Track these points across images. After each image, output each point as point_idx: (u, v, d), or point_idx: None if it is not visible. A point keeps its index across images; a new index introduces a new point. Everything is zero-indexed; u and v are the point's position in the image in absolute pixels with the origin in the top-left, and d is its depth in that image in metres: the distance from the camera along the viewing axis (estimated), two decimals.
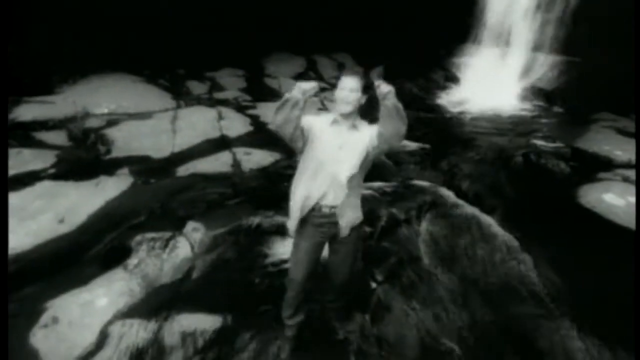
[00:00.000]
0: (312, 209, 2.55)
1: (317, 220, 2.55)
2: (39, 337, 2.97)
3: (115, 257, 3.74)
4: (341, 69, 12.24)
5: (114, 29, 9.05)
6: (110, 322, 3.09)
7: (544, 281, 3.79)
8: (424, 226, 4.43)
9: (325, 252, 2.78)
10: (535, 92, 11.29)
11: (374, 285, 3.56)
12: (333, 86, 10.29)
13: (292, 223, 2.63)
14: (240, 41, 11.19)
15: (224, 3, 10.76)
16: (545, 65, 11.71)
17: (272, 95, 9.44)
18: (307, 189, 2.52)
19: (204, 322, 3.09)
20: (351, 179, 2.50)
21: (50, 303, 3.25)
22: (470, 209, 4.81)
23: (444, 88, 12.18)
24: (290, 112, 2.32)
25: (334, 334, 3.03)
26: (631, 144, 7.17)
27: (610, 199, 5.54)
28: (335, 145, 2.49)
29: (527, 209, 5.26)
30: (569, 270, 3.96)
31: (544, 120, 9.20)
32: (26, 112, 6.70)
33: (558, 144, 7.33)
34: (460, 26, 12.15)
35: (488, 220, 4.67)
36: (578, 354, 3.09)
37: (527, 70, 11.83)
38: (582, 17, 10.28)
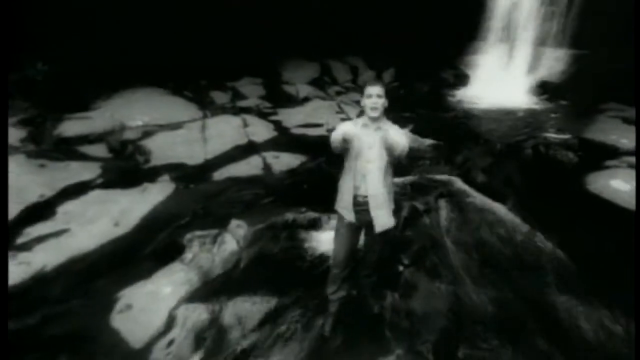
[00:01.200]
0: (348, 199, 3.04)
1: (354, 208, 3.03)
2: (117, 321, 3.47)
3: (170, 253, 4.25)
4: (354, 72, 12.70)
5: (137, 46, 9.61)
6: (175, 307, 3.57)
7: (555, 260, 4.20)
8: (443, 215, 4.86)
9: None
10: (543, 86, 11.59)
11: (401, 268, 4.02)
12: (347, 89, 10.80)
13: (344, 212, 3.10)
14: (256, 50, 11.69)
15: (237, 14, 11.27)
16: (553, 60, 11.95)
17: (290, 100, 9.95)
18: (347, 184, 3.00)
19: (255, 304, 3.57)
20: (379, 173, 2.96)
21: (122, 293, 3.75)
22: (484, 199, 5.24)
23: (454, 86, 12.56)
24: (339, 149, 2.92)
25: (370, 309, 3.48)
26: (602, 132, 7.61)
27: (617, 184, 5.92)
28: (365, 146, 2.95)
29: (537, 196, 5.66)
30: (578, 250, 4.36)
31: (552, 114, 9.56)
32: (68, 128, 7.26)
33: (566, 135, 7.71)
34: (468, 25, 12.43)
35: (501, 208, 5.09)
36: (586, 323, 3.49)
37: (535, 65, 12.11)
38: (588, 11, 10.62)
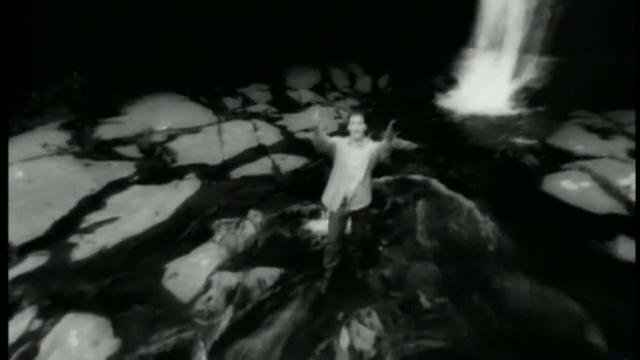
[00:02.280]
0: (336, 196, 4.26)
1: (340, 202, 4.25)
2: (168, 284, 4.71)
3: (203, 235, 5.49)
4: (352, 78, 13.88)
5: (155, 54, 10.82)
6: (211, 274, 4.80)
7: (506, 245, 5.42)
8: (418, 208, 6.08)
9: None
10: (524, 92, 12.61)
11: (380, 248, 5.25)
12: (346, 95, 12.00)
13: (328, 205, 4.34)
14: (263, 57, 12.90)
15: (245, 23, 12.45)
16: (535, 66, 12.95)
17: (294, 105, 11.17)
18: (334, 185, 4.23)
19: (271, 272, 4.80)
20: (360, 180, 4.18)
21: (168, 265, 4.99)
22: (453, 195, 6.45)
23: (444, 91, 13.63)
24: (319, 145, 4.09)
25: (355, 276, 4.71)
26: (592, 139, 8.73)
27: (566, 184, 7.14)
28: (350, 159, 4.17)
29: (499, 194, 6.86)
30: (527, 237, 5.57)
31: (525, 120, 10.68)
32: (105, 131, 8.47)
33: (533, 141, 8.92)
34: (460, 31, 13.39)
35: (468, 203, 6.29)
36: (527, 295, 4.67)
37: (518, 72, 13.06)
38: (570, 20, 11.46)
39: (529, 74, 13.01)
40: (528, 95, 12.48)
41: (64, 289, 4.58)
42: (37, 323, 4.11)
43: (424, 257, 5.13)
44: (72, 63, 9.77)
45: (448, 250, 5.29)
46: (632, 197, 6.62)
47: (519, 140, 9.09)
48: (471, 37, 13.66)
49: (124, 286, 4.71)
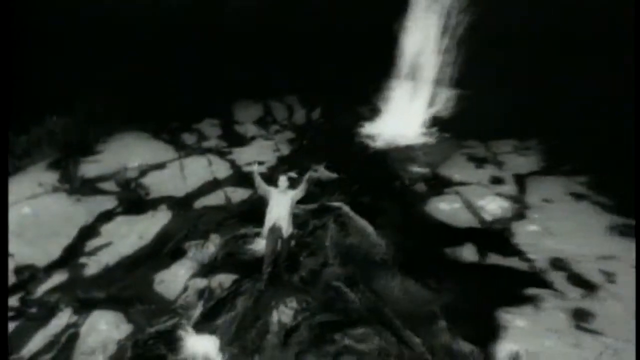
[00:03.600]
0: (271, 225, 6.74)
1: (273, 229, 6.73)
2: (158, 288, 6.99)
3: (178, 253, 7.79)
4: (291, 110, 16.34)
5: (119, 96, 12.83)
6: (187, 280, 7.13)
7: (389, 253, 8.02)
8: (331, 229, 8.61)
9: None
10: (433, 122, 15.14)
11: (301, 258, 7.75)
12: (284, 127, 14.45)
13: (264, 231, 6.80)
14: (213, 94, 15.10)
15: (195, 63, 14.60)
16: (445, 98, 15.46)
17: (241, 139, 13.51)
18: (269, 218, 6.73)
19: (228, 277, 7.16)
20: (286, 217, 6.68)
21: (155, 275, 7.28)
22: (358, 218, 9.00)
23: (369, 119, 16.22)
24: (257, 188, 6.67)
25: (283, 278, 7.16)
26: (469, 168, 11.71)
27: (442, 205, 9.92)
28: (279, 202, 6.68)
29: (392, 215, 9.51)
30: (404, 247, 8.21)
31: (427, 149, 13.38)
32: (87, 170, 10.47)
33: (426, 169, 11.73)
34: (384, 64, 15.78)
35: (367, 224, 8.84)
36: (396, 285, 7.26)
37: (431, 103, 15.59)
38: (474, 59, 13.77)
39: (439, 105, 15.44)
40: (436, 125, 14.96)
41: (85, 295, 6.79)
42: (74, 317, 6.32)
43: (331, 264, 7.67)
44: (51, 108, 11.66)
45: (349, 259, 7.85)
46: (485, 214, 9.48)
47: (416, 169, 11.86)
48: (394, 70, 15.92)
49: (126, 291, 6.96)
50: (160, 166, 11.12)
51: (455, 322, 6.48)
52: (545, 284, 7.29)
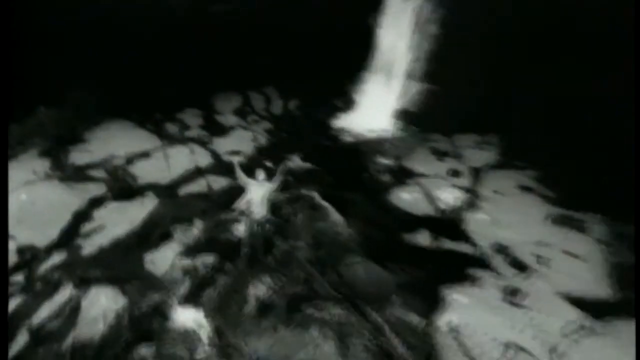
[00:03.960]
0: (249, 212, 7.73)
1: (251, 215, 7.72)
2: (148, 267, 7.92)
3: (165, 236, 8.70)
4: (268, 101, 17.21)
5: (104, 86, 13.53)
6: (173, 259, 8.06)
7: (353, 238, 9.07)
8: (304, 216, 9.61)
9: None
10: (404, 114, 16.16)
11: (276, 242, 8.73)
12: (263, 118, 15.33)
13: (245, 217, 7.80)
14: (194, 83, 15.86)
15: (178, 54, 15.31)
16: (415, 93, 16.13)
17: (221, 129, 14.33)
18: (247, 206, 7.71)
19: (210, 258, 8.11)
20: (262, 203, 7.68)
21: (146, 255, 8.18)
22: (328, 206, 10.02)
23: (344, 111, 17.22)
24: (238, 180, 7.55)
25: (260, 258, 8.16)
26: (431, 160, 12.81)
27: (404, 196, 10.99)
28: (256, 192, 7.67)
29: (359, 205, 10.55)
30: (367, 232, 9.27)
31: (395, 142, 14.52)
32: (77, 158, 11.23)
33: (392, 161, 12.80)
34: (359, 58, 16.85)
35: (335, 212, 9.87)
36: (359, 266, 8.33)
37: (402, 96, 16.42)
38: (443, 56, 14.68)
39: (409, 99, 16.20)
40: (405, 118, 15.99)
41: (84, 273, 7.67)
42: (75, 291, 7.21)
43: (302, 247, 8.68)
44: (42, 100, 12.33)
45: (318, 243, 8.86)
46: (440, 204, 10.62)
47: (384, 161, 12.93)
48: (369, 63, 16.91)
49: (121, 270, 7.87)
50: (145, 154, 11.89)
51: (407, 298, 7.59)
52: (487, 266, 8.48)
